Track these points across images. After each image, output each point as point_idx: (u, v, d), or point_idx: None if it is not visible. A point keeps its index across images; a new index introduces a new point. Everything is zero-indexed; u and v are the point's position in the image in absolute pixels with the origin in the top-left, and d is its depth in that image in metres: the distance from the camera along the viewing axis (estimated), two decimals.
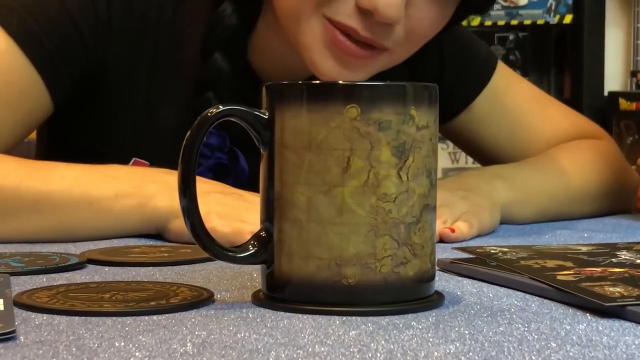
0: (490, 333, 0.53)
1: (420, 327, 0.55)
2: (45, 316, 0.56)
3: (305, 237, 0.58)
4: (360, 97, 0.58)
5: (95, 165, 0.90)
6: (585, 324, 0.56)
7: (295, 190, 0.59)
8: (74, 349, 0.49)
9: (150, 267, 0.74)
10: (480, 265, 0.70)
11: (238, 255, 0.61)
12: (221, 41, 1.00)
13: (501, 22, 2.37)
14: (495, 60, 1.17)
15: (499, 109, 1.16)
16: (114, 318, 0.56)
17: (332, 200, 0.58)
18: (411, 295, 0.59)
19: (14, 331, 0.51)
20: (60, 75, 0.98)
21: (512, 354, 0.49)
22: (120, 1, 1.00)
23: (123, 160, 0.93)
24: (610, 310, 0.57)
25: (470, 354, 0.49)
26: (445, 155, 3.05)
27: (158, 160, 0.92)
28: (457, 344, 0.51)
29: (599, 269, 0.67)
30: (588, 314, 0.58)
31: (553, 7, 2.36)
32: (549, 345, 0.51)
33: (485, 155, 1.18)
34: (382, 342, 0.51)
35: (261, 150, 0.61)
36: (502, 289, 0.66)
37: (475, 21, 2.35)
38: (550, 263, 0.69)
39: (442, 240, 0.88)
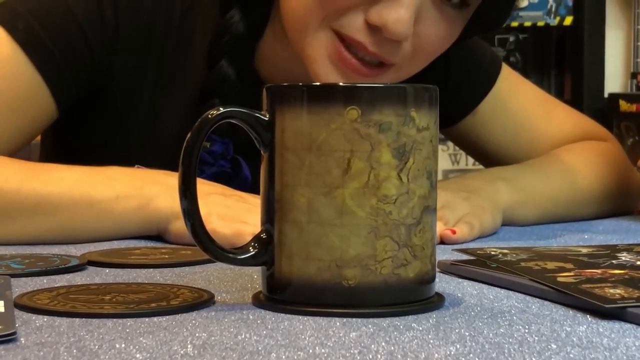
0: (491, 335, 0.53)
1: (420, 328, 0.55)
2: (45, 318, 0.56)
3: (305, 238, 0.58)
4: (360, 99, 0.58)
5: (95, 167, 0.90)
6: (585, 326, 0.56)
7: (296, 191, 0.59)
8: (74, 351, 0.49)
9: (151, 269, 0.74)
10: (481, 267, 0.70)
11: (238, 257, 0.61)
12: (228, 48, 1.00)
13: None
14: (500, 63, 1.17)
15: (503, 112, 1.16)
16: (115, 320, 0.56)
17: (333, 202, 0.58)
18: (412, 297, 0.59)
19: (14, 333, 0.52)
20: (65, 81, 0.98)
21: (512, 356, 0.49)
22: (128, 7, 1.00)
23: (126, 165, 0.93)
24: (611, 311, 0.57)
25: (471, 355, 0.49)
26: (446, 157, 3.05)
27: (162, 165, 0.92)
28: (458, 346, 0.51)
29: (599, 271, 0.67)
30: (588, 316, 0.58)
31: (553, 9, 2.37)
32: (549, 347, 0.51)
33: (490, 157, 1.18)
34: (383, 343, 0.51)
35: (261, 151, 0.61)
36: (503, 291, 0.66)
37: None
38: (551, 265, 0.69)
39: (443, 242, 0.88)
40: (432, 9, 0.93)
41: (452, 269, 0.73)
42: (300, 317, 0.57)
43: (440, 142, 0.64)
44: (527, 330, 0.55)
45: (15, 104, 0.96)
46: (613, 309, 0.57)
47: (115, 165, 0.91)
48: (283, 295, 0.60)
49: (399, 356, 0.49)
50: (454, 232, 0.89)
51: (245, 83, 1.01)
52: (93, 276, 0.71)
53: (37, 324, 0.55)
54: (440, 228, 0.88)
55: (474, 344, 0.51)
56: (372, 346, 0.51)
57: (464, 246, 0.86)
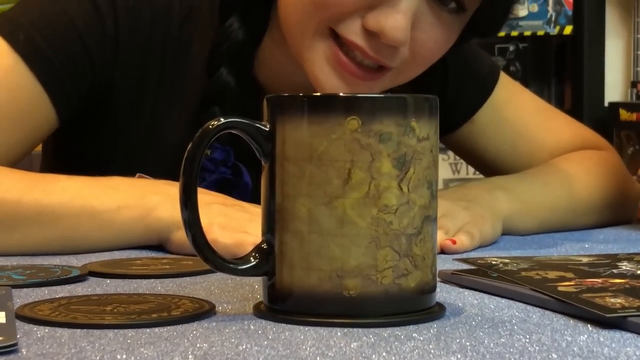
0: (492, 344, 0.53)
1: (421, 338, 0.55)
2: (47, 329, 0.56)
3: (306, 248, 0.58)
4: (360, 109, 0.58)
5: (96, 177, 0.90)
6: (586, 335, 0.56)
7: (297, 201, 0.59)
8: None
9: (152, 279, 0.74)
10: (482, 277, 0.70)
11: (239, 267, 0.61)
12: (227, 56, 1.00)
13: (501, 33, 2.38)
14: (498, 72, 1.18)
15: (501, 121, 1.16)
16: (116, 330, 0.56)
17: (333, 212, 0.58)
18: (412, 307, 0.60)
19: (15, 344, 0.52)
20: (66, 91, 0.99)
21: None
22: (127, 18, 1.00)
23: (128, 175, 0.94)
24: (611, 321, 0.57)
25: None
26: (446, 166, 3.05)
27: (162, 175, 0.93)
28: (459, 356, 0.51)
29: (599, 280, 0.67)
30: (589, 325, 0.58)
31: (553, 18, 2.37)
32: (550, 356, 0.51)
33: (488, 166, 1.18)
34: (384, 353, 0.51)
35: (262, 162, 0.61)
36: (504, 300, 0.66)
37: None
38: (552, 274, 0.69)
39: (443, 252, 0.88)
40: (429, 14, 0.93)
41: (453, 279, 0.73)
42: (301, 327, 0.57)
43: (440, 151, 0.65)
44: (528, 340, 0.55)
45: (17, 114, 0.96)
46: (614, 318, 0.57)
47: (116, 174, 0.92)
48: (284, 306, 0.60)
49: None
50: (454, 242, 0.89)
51: (245, 91, 1.01)
52: (94, 287, 0.71)
53: (39, 335, 0.55)
54: (440, 237, 0.88)
55: (474, 353, 0.51)
56: (373, 356, 0.51)
57: (464, 256, 0.86)
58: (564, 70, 2.49)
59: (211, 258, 0.60)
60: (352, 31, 0.92)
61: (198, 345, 0.53)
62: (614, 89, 2.45)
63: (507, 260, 0.76)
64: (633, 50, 2.46)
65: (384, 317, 0.58)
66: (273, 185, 0.60)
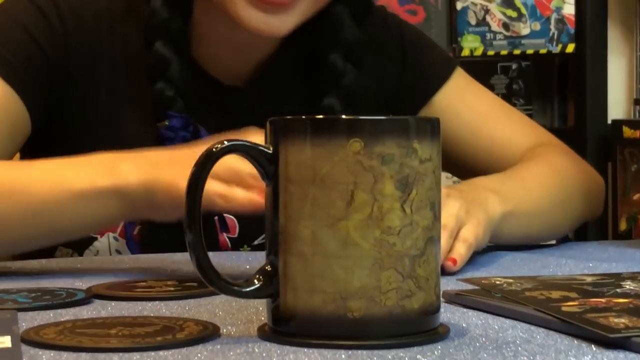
0: None
1: None
2: (52, 353, 0.57)
3: (310, 270, 0.59)
4: (363, 131, 0.58)
5: (73, 156, 0.91)
6: (590, 356, 0.56)
7: (300, 224, 0.59)
8: None
9: (157, 302, 0.74)
10: (486, 297, 0.71)
11: (243, 290, 0.61)
12: (159, 32, 1.04)
13: (504, 52, 2.37)
14: (455, 64, 1.20)
15: (460, 103, 1.17)
16: (121, 354, 0.56)
17: (337, 234, 0.58)
18: (416, 328, 0.60)
19: None
20: (30, 88, 1.02)
21: None
22: (71, 14, 1.05)
23: None
24: (615, 341, 0.57)
25: None
26: (450, 185, 3.05)
27: None
28: None
29: (603, 300, 0.67)
30: (593, 346, 0.58)
31: (555, 36, 2.37)
32: None
33: (449, 154, 1.14)
34: None
35: (265, 184, 0.61)
36: (508, 321, 0.66)
37: (478, 51, 2.36)
38: (555, 294, 0.69)
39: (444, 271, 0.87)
40: None
41: (457, 299, 0.73)
42: (306, 349, 0.57)
43: (442, 170, 0.65)
44: None
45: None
46: (617, 338, 0.57)
47: None
48: (288, 328, 0.60)
49: None
50: (454, 263, 0.87)
51: (185, 67, 1.05)
52: (99, 309, 0.71)
53: (44, 359, 0.55)
54: (444, 240, 0.86)
55: None
56: None
57: (468, 276, 0.86)
58: (566, 88, 2.49)
59: (215, 281, 0.60)
60: None
61: None
62: (617, 107, 2.45)
63: (511, 280, 0.76)
64: (636, 68, 2.46)
65: (387, 338, 0.58)
66: (276, 207, 0.60)
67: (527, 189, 1.06)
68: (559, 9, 2.38)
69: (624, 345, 0.57)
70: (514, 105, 2.44)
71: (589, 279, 0.77)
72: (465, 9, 2.35)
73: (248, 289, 0.61)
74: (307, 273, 0.59)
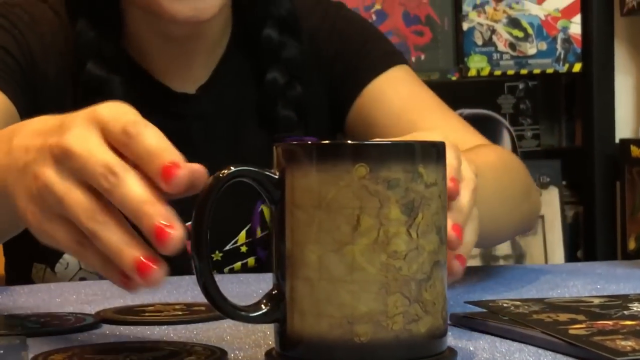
0: None
1: None
2: None
3: (316, 295, 0.59)
4: (368, 156, 0.59)
5: None
6: None
7: (306, 248, 0.59)
8: None
9: (165, 326, 0.74)
10: (493, 320, 0.71)
11: (251, 315, 0.61)
12: (88, 52, 1.07)
13: (511, 72, 2.38)
14: (399, 59, 1.18)
15: (387, 94, 1.14)
16: None
17: (343, 259, 0.58)
18: (423, 352, 0.60)
19: None
20: (17, 91, 1.04)
21: None
22: (29, 30, 1.08)
23: None
24: None
25: None
26: None
27: None
28: None
29: (610, 322, 0.67)
30: None
31: (562, 56, 2.38)
32: None
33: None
34: None
35: (272, 209, 0.62)
36: (515, 344, 0.66)
37: (485, 71, 2.37)
38: (563, 317, 0.69)
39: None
40: None
41: (464, 322, 0.73)
42: None
43: None
44: None
45: None
46: None
47: None
48: (295, 352, 0.60)
49: None
50: (462, 263, 0.83)
51: (129, 79, 1.07)
52: (107, 334, 0.72)
53: None
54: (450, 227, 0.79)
55: None
56: None
57: (475, 298, 0.86)
58: (574, 108, 2.49)
59: (223, 306, 0.60)
60: None
61: None
62: (625, 126, 2.45)
63: (518, 303, 0.76)
64: None
65: None
66: (283, 232, 0.61)
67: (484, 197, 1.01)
68: (565, 29, 2.38)
69: None
70: (521, 125, 2.44)
71: (596, 301, 0.77)
72: (471, 30, 2.36)
73: (255, 314, 0.61)
74: (313, 298, 0.59)
